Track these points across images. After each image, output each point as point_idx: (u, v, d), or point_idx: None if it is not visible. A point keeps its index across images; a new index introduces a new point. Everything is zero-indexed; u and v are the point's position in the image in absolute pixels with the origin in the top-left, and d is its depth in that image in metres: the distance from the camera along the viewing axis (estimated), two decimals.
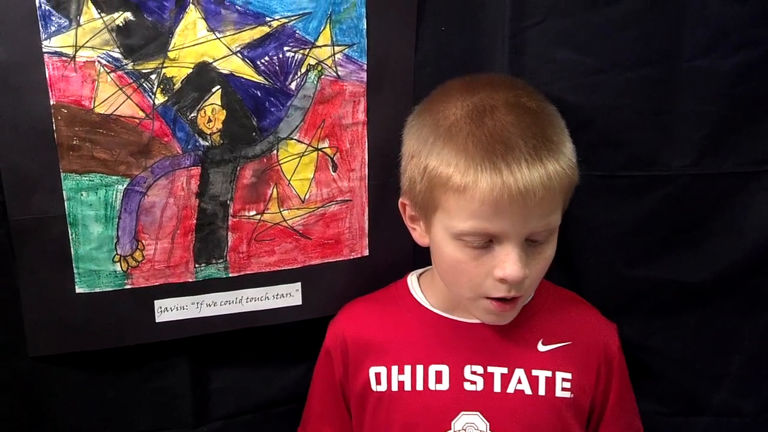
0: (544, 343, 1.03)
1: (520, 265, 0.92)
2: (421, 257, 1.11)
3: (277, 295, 1.13)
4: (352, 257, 1.15)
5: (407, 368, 1.04)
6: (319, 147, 1.09)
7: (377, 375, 1.05)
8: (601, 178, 1.09)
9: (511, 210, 0.90)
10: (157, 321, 1.08)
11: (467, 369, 1.03)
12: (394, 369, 1.04)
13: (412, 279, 1.11)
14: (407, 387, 1.03)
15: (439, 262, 1.01)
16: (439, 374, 1.03)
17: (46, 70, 0.95)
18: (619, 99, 1.07)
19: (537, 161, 0.90)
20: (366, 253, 1.16)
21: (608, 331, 1.07)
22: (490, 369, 1.02)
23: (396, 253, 1.16)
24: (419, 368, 1.04)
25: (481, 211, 0.91)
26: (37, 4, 0.92)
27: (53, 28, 0.94)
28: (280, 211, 1.09)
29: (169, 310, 1.08)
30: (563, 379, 1.02)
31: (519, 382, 1.02)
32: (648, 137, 1.08)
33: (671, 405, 1.20)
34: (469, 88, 0.98)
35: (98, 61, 0.96)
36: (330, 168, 1.10)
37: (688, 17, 1.04)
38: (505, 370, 1.02)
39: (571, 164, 0.95)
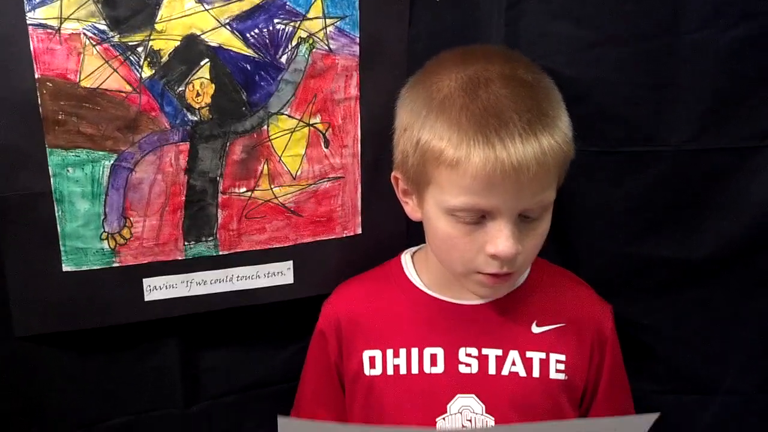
0: (538, 325, 1.02)
1: (512, 241, 0.91)
2: (415, 235, 1.10)
3: (269, 273, 1.11)
4: (344, 235, 1.13)
5: (402, 351, 1.03)
6: (311, 122, 1.06)
7: (371, 359, 1.03)
8: (597, 153, 1.07)
9: (504, 186, 0.88)
10: (145, 300, 1.07)
11: (462, 351, 1.01)
12: (389, 352, 1.03)
13: (406, 258, 1.09)
14: (402, 371, 1.02)
15: (431, 238, 0.99)
16: (434, 357, 1.02)
17: (31, 42, 0.92)
18: (617, 73, 1.05)
19: (531, 136, 0.88)
20: (359, 231, 1.14)
21: (602, 312, 1.06)
22: (484, 351, 1.01)
23: (389, 231, 1.15)
24: (414, 351, 1.02)
25: (473, 186, 0.89)
26: None
27: (37, 0, 0.91)
28: (271, 188, 1.07)
29: (158, 289, 1.07)
30: (557, 361, 1.01)
31: (513, 364, 1.01)
32: (646, 112, 1.06)
33: (668, 384, 1.19)
34: (463, 59, 0.96)
35: (84, 34, 0.94)
36: (322, 144, 1.08)
37: None
38: (499, 352, 1.01)
39: (566, 139, 0.93)
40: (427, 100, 0.94)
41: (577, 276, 1.11)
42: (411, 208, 1.02)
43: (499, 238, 0.91)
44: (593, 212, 1.12)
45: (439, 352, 1.02)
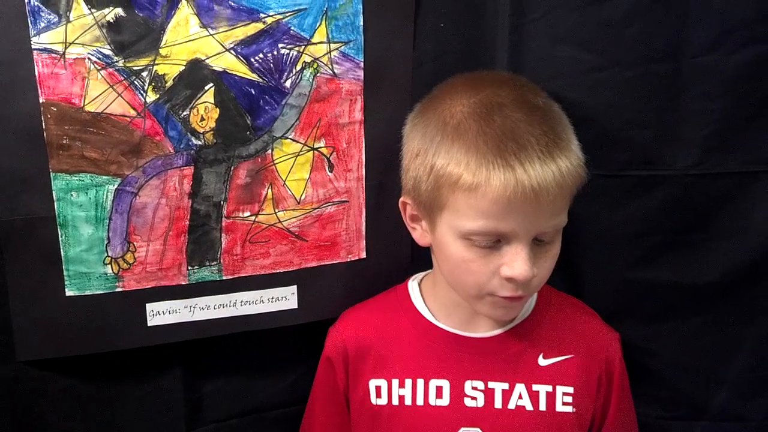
0: (545, 357, 1.02)
1: (529, 264, 0.90)
2: (419, 260, 1.10)
3: (273, 298, 1.10)
4: (348, 260, 1.13)
5: (408, 382, 1.02)
6: (315, 146, 1.06)
7: (377, 388, 1.03)
8: (602, 177, 1.07)
9: (523, 208, 0.88)
10: (149, 325, 1.06)
11: (468, 384, 1.01)
12: (395, 382, 1.02)
13: (412, 285, 1.08)
14: (407, 401, 1.01)
15: (443, 262, 0.98)
16: (439, 389, 1.01)
17: (35, 67, 0.93)
18: (621, 97, 1.05)
19: (549, 158, 0.88)
20: (363, 255, 1.13)
21: (611, 342, 1.06)
22: (491, 385, 1.01)
23: (394, 256, 1.14)
24: (420, 382, 1.02)
25: (492, 210, 0.89)
26: (26, 0, 0.90)
27: (42, 24, 0.92)
28: (275, 212, 1.07)
29: (161, 314, 1.06)
30: (564, 394, 1.00)
31: (520, 397, 1.00)
32: (651, 136, 1.06)
33: (673, 409, 1.18)
34: (473, 85, 0.96)
35: (88, 58, 0.94)
36: (326, 168, 1.08)
37: (693, 12, 1.01)
38: (506, 386, 1.01)
39: (580, 162, 0.93)
40: (440, 125, 0.94)
41: (582, 302, 1.10)
42: (419, 234, 1.01)
43: (516, 261, 0.90)
44: (597, 236, 1.12)
45: (445, 384, 1.01)
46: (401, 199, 1.02)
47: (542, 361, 1.01)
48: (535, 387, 1.00)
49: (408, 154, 0.99)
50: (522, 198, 0.87)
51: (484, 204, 0.89)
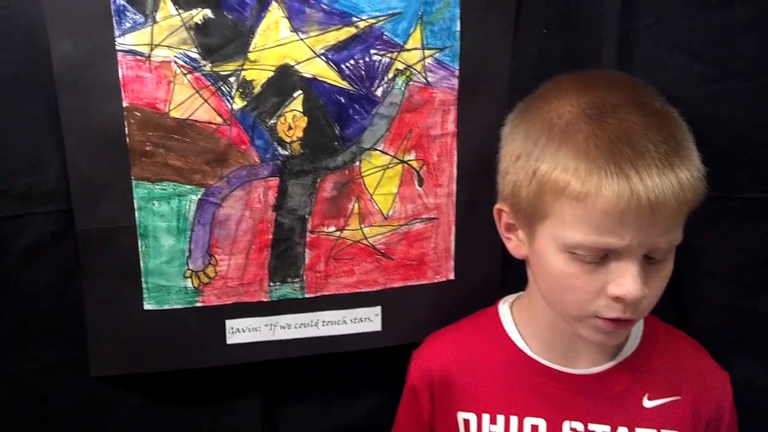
0: (650, 398, 0.94)
1: (640, 283, 0.82)
2: (510, 281, 1.04)
3: (356, 319, 1.05)
4: (436, 280, 1.07)
5: (500, 418, 0.95)
6: (405, 159, 1.01)
7: (466, 422, 0.96)
8: (716, 199, 0.98)
9: (637, 222, 0.80)
10: (228, 343, 1.02)
11: (566, 425, 0.93)
12: (485, 418, 0.96)
13: (503, 309, 1.01)
14: None
15: (541, 277, 0.91)
16: (535, 429, 0.94)
17: (119, 69, 0.89)
18: (740, 111, 0.98)
19: (668, 168, 0.80)
20: (451, 276, 1.07)
21: (722, 383, 0.97)
22: (591, 427, 0.93)
23: (483, 277, 1.08)
24: (513, 420, 0.95)
25: (602, 222, 0.81)
26: None
27: (128, 25, 0.88)
28: (361, 228, 1.02)
29: (240, 332, 1.02)
30: None
31: None
32: None
33: None
34: (583, 84, 0.88)
35: (174, 62, 0.90)
36: (415, 182, 1.02)
37: None
38: (607, 429, 0.93)
39: (701, 175, 0.85)
40: (545, 126, 0.86)
41: (688, 334, 1.02)
42: (515, 245, 0.94)
43: (625, 279, 0.82)
44: (708, 262, 1.05)
45: (541, 423, 0.94)
46: (496, 206, 0.95)
47: (647, 403, 0.93)
48: (639, 431, 0.92)
49: (507, 157, 0.92)
50: (636, 211, 0.79)
51: (594, 215, 0.81)
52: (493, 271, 1.07)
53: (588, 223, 0.82)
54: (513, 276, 1.01)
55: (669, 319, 1.02)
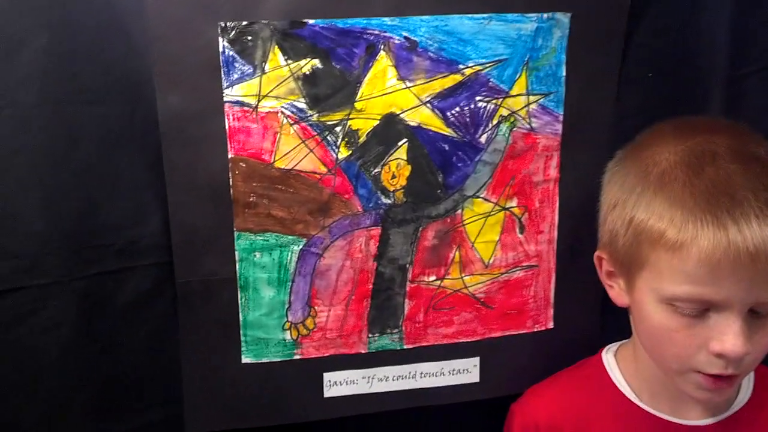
0: None
1: (742, 339, 0.79)
2: (610, 330, 1.00)
3: (454, 370, 1.02)
4: (535, 329, 1.04)
5: None
6: (507, 206, 0.98)
7: None
8: None
9: (735, 274, 0.77)
10: (325, 396, 0.99)
11: None
12: None
13: (608, 358, 0.98)
14: None
15: (640, 327, 0.88)
16: None
17: (226, 120, 0.88)
18: None
19: None
20: (550, 325, 1.04)
21: None
22: None
23: (583, 326, 1.05)
24: None
25: (698, 273, 0.78)
26: (220, 50, 0.85)
27: (236, 76, 0.87)
28: (462, 277, 0.99)
29: (338, 384, 0.99)
30: None
31: None
32: None
33: None
34: (683, 131, 0.86)
35: (281, 112, 0.88)
36: (517, 230, 0.99)
37: None
38: None
39: None
40: (641, 174, 0.84)
41: None
42: (616, 293, 0.91)
43: (727, 335, 0.79)
44: None
45: None
46: (597, 253, 0.93)
47: None
48: None
49: (605, 205, 0.90)
50: (734, 262, 0.76)
51: (690, 266, 0.78)
52: (592, 319, 1.04)
53: (683, 274, 0.79)
54: (612, 323, 0.98)
55: None
